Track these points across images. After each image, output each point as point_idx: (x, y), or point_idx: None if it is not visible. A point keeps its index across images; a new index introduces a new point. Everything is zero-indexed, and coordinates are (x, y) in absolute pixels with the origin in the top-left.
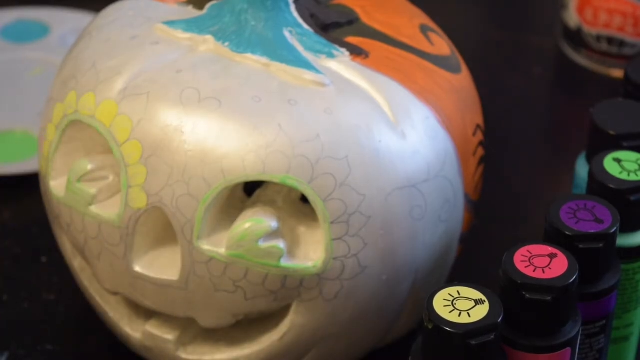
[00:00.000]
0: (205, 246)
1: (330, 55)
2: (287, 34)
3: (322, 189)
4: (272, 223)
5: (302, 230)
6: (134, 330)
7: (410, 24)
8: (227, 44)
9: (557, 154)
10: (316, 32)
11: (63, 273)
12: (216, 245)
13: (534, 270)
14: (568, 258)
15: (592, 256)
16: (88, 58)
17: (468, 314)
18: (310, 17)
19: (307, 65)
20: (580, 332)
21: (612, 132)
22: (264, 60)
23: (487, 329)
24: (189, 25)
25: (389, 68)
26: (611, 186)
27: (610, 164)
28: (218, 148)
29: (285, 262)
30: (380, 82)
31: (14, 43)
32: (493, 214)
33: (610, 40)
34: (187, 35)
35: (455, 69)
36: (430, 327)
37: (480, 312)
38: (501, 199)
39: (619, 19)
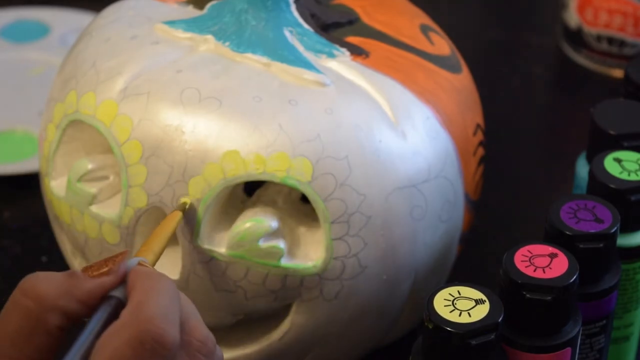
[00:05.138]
0: (206, 246)
1: (331, 55)
2: (287, 33)
3: (322, 189)
4: (272, 223)
5: (302, 230)
6: None
7: (410, 23)
8: (227, 43)
9: (557, 154)
10: (316, 32)
11: None
12: (216, 245)
13: (534, 270)
14: (568, 258)
15: (592, 256)
16: (88, 58)
17: (468, 313)
18: (311, 17)
19: (308, 65)
20: (581, 332)
21: (612, 132)
22: (265, 60)
23: (487, 329)
24: (189, 25)
25: (390, 68)
26: (611, 186)
27: (610, 163)
28: (218, 148)
29: (285, 262)
30: (381, 82)
31: (14, 43)
32: (493, 214)
33: (611, 40)
34: (188, 35)
35: (455, 69)
36: (430, 327)
37: (481, 311)
38: (501, 199)
39: (620, 19)
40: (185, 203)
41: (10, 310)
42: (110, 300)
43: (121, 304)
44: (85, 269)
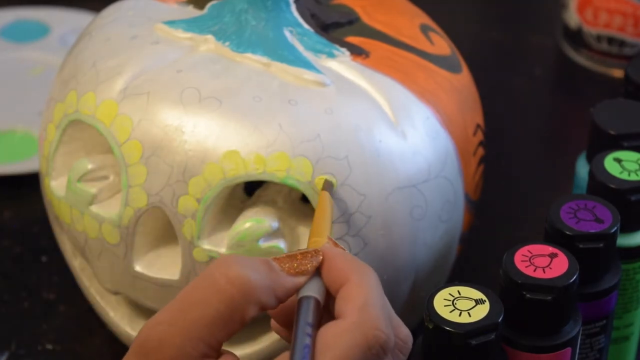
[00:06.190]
0: (206, 246)
1: (331, 55)
2: (287, 33)
3: None
4: (272, 223)
5: (302, 230)
6: (134, 330)
7: (410, 23)
8: (227, 43)
9: (557, 154)
10: (316, 32)
11: (63, 273)
12: (216, 245)
13: (534, 270)
14: (568, 258)
15: (592, 256)
16: (88, 58)
17: (468, 313)
18: (311, 17)
19: (308, 65)
20: (581, 332)
21: (612, 132)
22: (265, 60)
23: (487, 329)
24: (190, 25)
25: (390, 68)
26: (611, 186)
27: (610, 163)
28: (218, 148)
29: None
30: (381, 82)
31: (14, 43)
32: (493, 214)
33: (611, 40)
34: (188, 35)
35: (455, 69)
36: (430, 327)
37: (481, 311)
38: (501, 199)
39: (620, 19)
40: (327, 181)
41: (210, 294)
42: (309, 300)
43: (317, 303)
44: (277, 260)
